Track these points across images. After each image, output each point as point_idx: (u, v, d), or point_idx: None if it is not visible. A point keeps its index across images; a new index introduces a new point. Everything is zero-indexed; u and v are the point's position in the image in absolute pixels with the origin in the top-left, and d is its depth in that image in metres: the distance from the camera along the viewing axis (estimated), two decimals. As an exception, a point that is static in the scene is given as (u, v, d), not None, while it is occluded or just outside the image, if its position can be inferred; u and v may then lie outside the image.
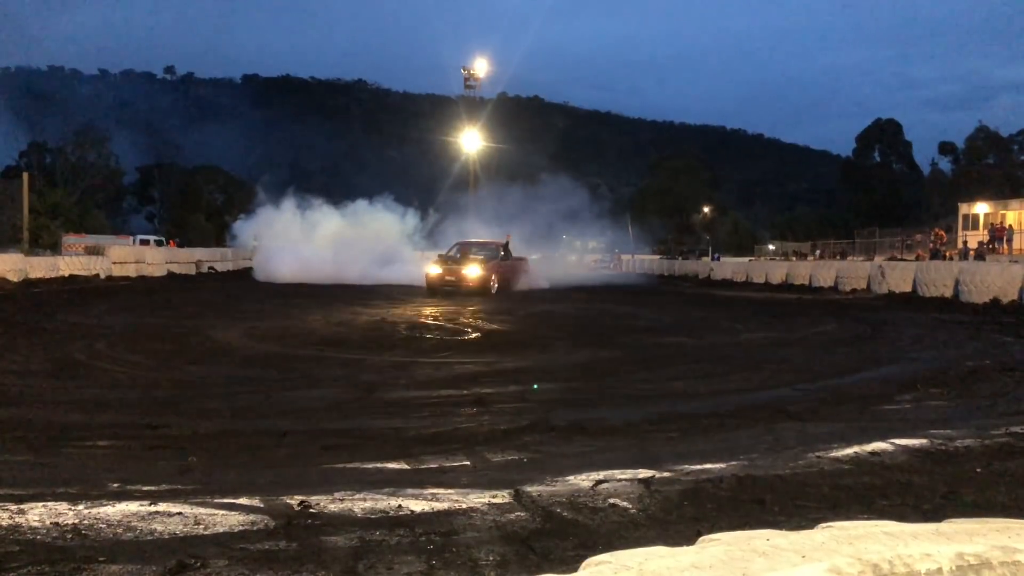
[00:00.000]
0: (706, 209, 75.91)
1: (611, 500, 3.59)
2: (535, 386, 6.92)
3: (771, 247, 67.43)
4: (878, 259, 33.04)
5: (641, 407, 6.06)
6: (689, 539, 2.45)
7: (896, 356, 9.17)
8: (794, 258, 44.73)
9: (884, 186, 71.98)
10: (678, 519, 3.37)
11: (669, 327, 13.06)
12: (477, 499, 3.57)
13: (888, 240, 48.62)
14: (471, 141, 35.28)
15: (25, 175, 25.90)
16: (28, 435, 4.81)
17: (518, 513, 3.39)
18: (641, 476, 3.97)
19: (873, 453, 4.46)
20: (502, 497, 3.60)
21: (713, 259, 47.25)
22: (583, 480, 3.90)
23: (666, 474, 4.03)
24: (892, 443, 4.66)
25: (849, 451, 4.50)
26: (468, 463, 4.31)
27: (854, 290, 22.71)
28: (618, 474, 4.01)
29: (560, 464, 4.24)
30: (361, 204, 31.11)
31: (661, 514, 3.42)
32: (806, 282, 26.86)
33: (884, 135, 75.83)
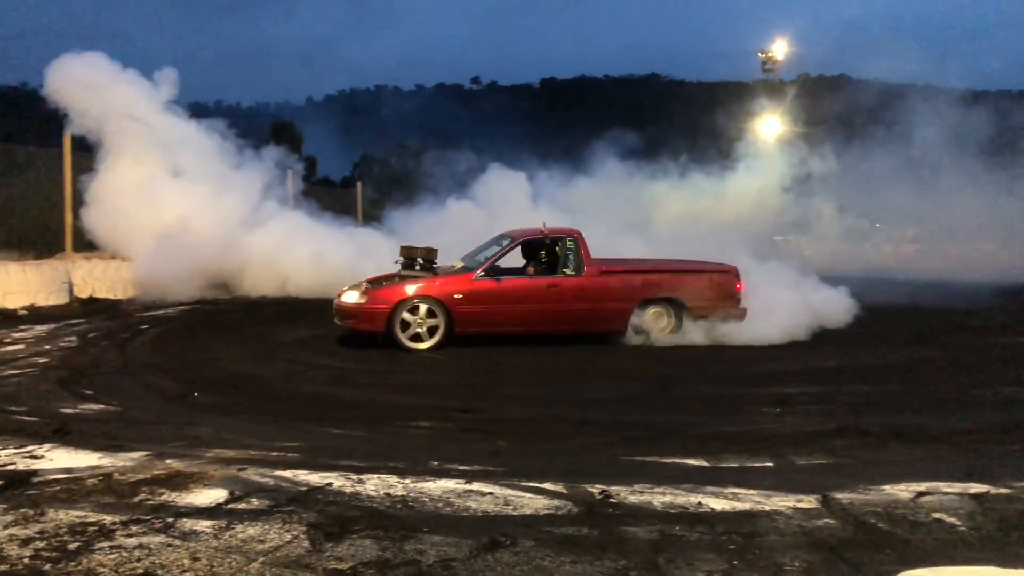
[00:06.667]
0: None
1: (935, 514, 3.27)
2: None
3: None
4: None
5: (971, 415, 5.43)
6: (1034, 566, 2.16)
7: None
8: None
9: None
10: (1018, 541, 2.98)
11: (1005, 324, 11.51)
12: (781, 502, 3.43)
13: None
14: (770, 127, 33.70)
15: (358, 184, 29.22)
16: (364, 414, 5.46)
17: (826, 520, 3.21)
18: (973, 491, 3.57)
19: None
20: (808, 502, 3.43)
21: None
22: (901, 491, 3.59)
23: (1004, 491, 3.59)
24: None
25: None
26: (771, 464, 4.15)
27: None
28: (943, 487, 3.64)
29: (873, 472, 3.93)
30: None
31: (997, 534, 3.05)
32: None
33: None
